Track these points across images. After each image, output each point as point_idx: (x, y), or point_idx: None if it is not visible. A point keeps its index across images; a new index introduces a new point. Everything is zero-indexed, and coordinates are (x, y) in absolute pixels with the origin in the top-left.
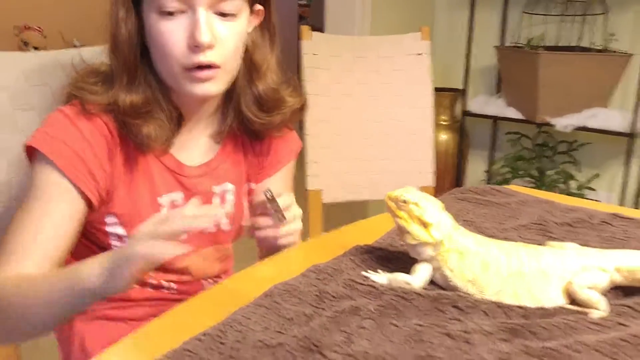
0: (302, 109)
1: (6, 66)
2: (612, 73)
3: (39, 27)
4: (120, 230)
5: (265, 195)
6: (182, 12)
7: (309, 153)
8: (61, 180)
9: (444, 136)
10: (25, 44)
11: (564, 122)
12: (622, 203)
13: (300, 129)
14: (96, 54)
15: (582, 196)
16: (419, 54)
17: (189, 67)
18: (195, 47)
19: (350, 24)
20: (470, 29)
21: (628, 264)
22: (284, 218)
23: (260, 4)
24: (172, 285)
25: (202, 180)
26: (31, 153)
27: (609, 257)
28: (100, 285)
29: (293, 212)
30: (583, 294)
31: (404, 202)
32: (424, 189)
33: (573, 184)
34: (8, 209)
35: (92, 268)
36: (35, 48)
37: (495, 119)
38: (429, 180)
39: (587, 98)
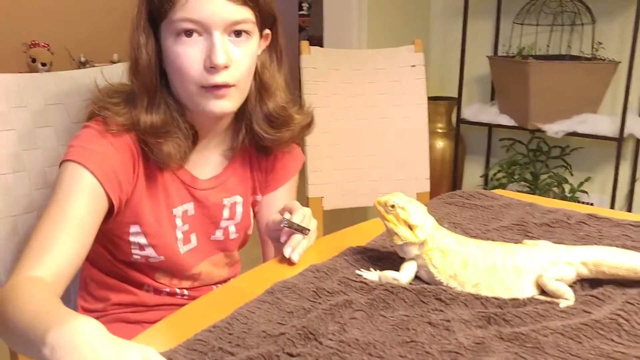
0: (309, 125)
1: (27, 87)
2: (600, 80)
3: (47, 44)
4: (142, 240)
5: (285, 227)
6: (199, 35)
7: (310, 163)
8: (89, 178)
9: (441, 143)
10: (33, 60)
11: (555, 128)
12: (613, 205)
13: (301, 140)
14: (114, 73)
15: (575, 199)
16: (413, 66)
17: (206, 86)
18: (211, 68)
19: (348, 37)
20: (464, 39)
21: (593, 258)
22: (308, 230)
23: (268, 28)
24: (185, 291)
25: (213, 192)
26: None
27: (575, 253)
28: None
29: (312, 226)
30: (552, 285)
31: (392, 206)
32: (420, 194)
33: (566, 188)
34: (29, 219)
35: (52, 327)
36: (43, 64)
37: (490, 126)
38: (425, 186)
39: (577, 104)
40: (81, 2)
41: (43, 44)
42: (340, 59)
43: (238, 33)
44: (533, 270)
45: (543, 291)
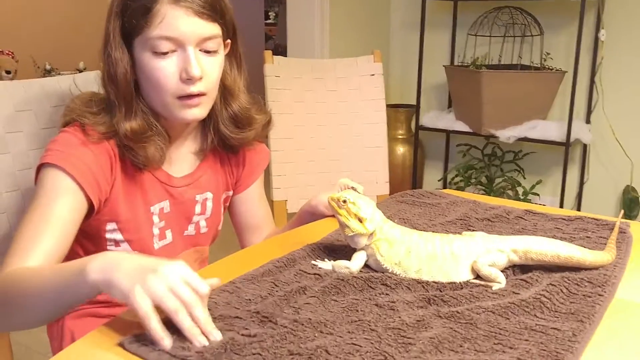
0: (269, 123)
1: None
2: (548, 88)
3: (11, 52)
4: (118, 236)
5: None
6: (173, 51)
7: (274, 167)
8: (69, 182)
9: (401, 149)
10: None
11: (507, 134)
12: (562, 206)
13: (264, 138)
14: (84, 80)
15: (528, 201)
16: (372, 75)
17: (182, 96)
18: (187, 80)
19: (311, 47)
20: (421, 50)
21: (522, 246)
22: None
23: (229, 38)
24: None
25: (187, 189)
26: (38, 171)
27: (507, 242)
28: (93, 269)
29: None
30: (485, 270)
31: (344, 201)
32: (380, 197)
33: (520, 190)
34: None
35: (91, 258)
36: (7, 72)
37: (447, 132)
38: (385, 189)
39: (527, 111)
40: (45, 11)
41: (7, 52)
42: (302, 68)
43: (208, 49)
44: (469, 257)
45: (478, 276)
